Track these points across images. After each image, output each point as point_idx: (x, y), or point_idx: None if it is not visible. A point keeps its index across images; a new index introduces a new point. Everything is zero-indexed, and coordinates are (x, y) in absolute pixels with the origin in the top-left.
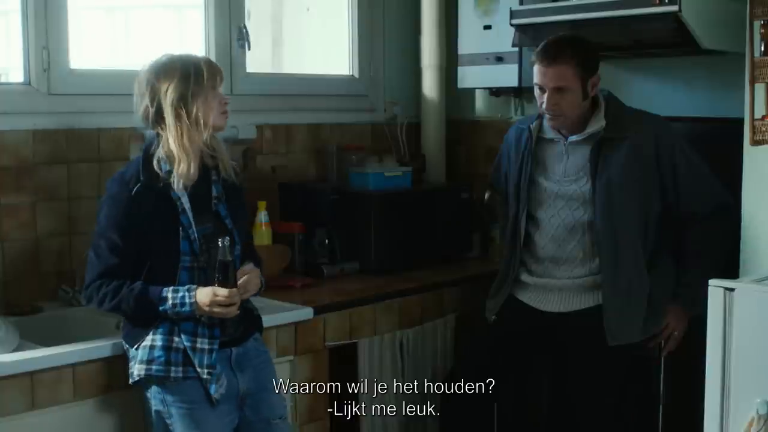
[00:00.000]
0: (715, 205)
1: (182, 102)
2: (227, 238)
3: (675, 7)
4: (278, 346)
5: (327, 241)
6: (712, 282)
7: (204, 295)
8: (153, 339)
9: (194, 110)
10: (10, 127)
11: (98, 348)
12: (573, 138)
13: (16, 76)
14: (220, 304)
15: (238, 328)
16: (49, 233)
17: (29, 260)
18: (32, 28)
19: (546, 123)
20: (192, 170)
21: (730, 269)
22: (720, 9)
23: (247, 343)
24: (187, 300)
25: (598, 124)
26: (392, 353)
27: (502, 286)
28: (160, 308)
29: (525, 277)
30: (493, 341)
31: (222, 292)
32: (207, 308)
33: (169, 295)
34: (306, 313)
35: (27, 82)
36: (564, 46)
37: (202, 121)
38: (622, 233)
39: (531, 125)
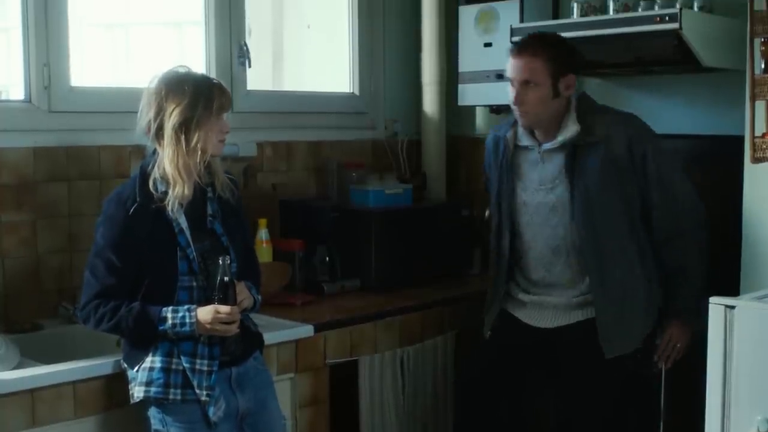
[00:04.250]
0: (690, 221)
1: (184, 127)
2: (227, 256)
3: (676, 25)
4: (279, 363)
5: (327, 258)
6: (712, 299)
7: (205, 313)
8: (152, 360)
9: (194, 138)
10: (10, 144)
11: (99, 365)
12: (547, 145)
13: (17, 92)
14: (222, 322)
15: (238, 346)
16: (49, 250)
17: (30, 277)
18: (33, 45)
19: (520, 130)
20: (187, 191)
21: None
22: (720, 27)
23: (247, 363)
24: (187, 320)
25: (570, 130)
26: (393, 371)
27: (494, 302)
28: (160, 328)
29: (521, 296)
30: (487, 358)
31: (224, 309)
32: (209, 326)
33: (169, 315)
34: (307, 330)
35: (28, 100)
36: (537, 39)
37: (199, 149)
38: (606, 242)
39: (507, 134)
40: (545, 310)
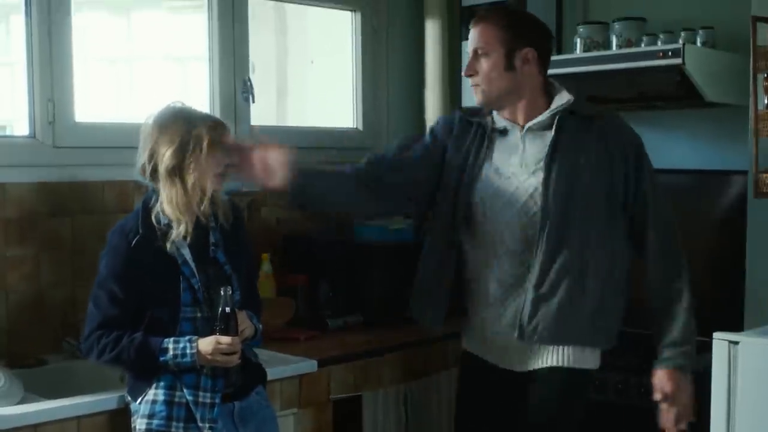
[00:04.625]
0: (673, 277)
1: (177, 170)
2: (229, 287)
3: (679, 60)
4: (282, 398)
5: (331, 293)
6: (716, 335)
7: (206, 344)
8: (155, 393)
9: (189, 179)
10: (15, 179)
11: (103, 401)
12: (535, 121)
13: (20, 127)
14: (222, 353)
15: (239, 378)
16: (53, 285)
17: (33, 312)
18: (38, 80)
19: (495, 114)
20: (190, 229)
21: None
22: (723, 62)
23: (250, 397)
24: (188, 350)
25: (563, 98)
26: (397, 406)
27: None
28: (161, 359)
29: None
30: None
31: (225, 339)
32: (210, 357)
33: (170, 346)
34: (310, 365)
35: (32, 135)
36: (496, 8)
37: (198, 188)
38: (581, 230)
39: (484, 116)
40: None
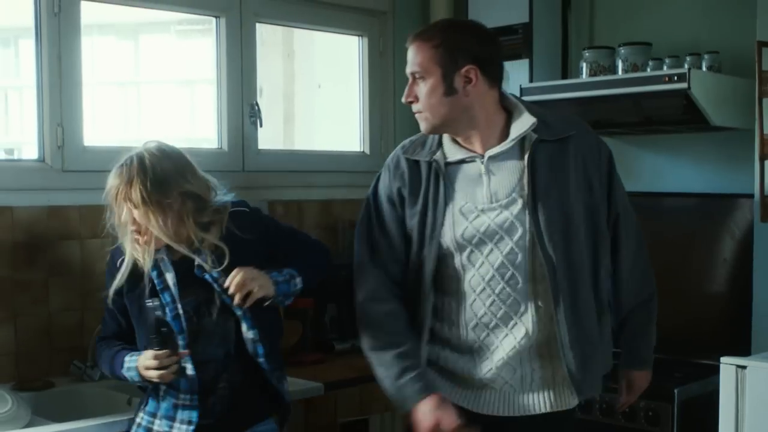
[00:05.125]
0: (644, 287)
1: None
2: (156, 299)
3: (684, 85)
4: (290, 422)
5: (338, 316)
6: (724, 359)
7: (143, 359)
8: (141, 416)
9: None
10: (24, 203)
11: (110, 424)
12: (494, 150)
13: (29, 151)
14: (147, 368)
15: (223, 405)
16: (61, 308)
17: (41, 335)
18: (47, 105)
19: (447, 141)
20: (147, 267)
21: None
22: (729, 86)
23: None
24: (132, 364)
25: (525, 122)
26: (403, 430)
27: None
28: (123, 372)
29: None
30: None
31: (149, 353)
32: (144, 372)
33: (126, 359)
34: (317, 389)
35: (41, 159)
36: (436, 24)
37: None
38: (579, 266)
39: (433, 152)
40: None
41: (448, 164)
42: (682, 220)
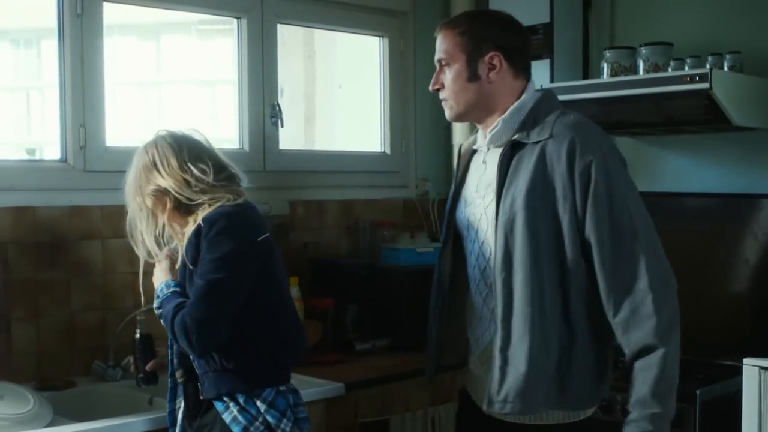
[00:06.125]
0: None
1: None
2: (141, 311)
3: (706, 85)
4: (310, 422)
5: (358, 316)
6: (747, 361)
7: None
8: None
9: None
10: (46, 203)
11: (131, 424)
12: (491, 134)
13: (50, 151)
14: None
15: (194, 392)
16: (83, 308)
17: (63, 335)
18: (70, 105)
19: (479, 132)
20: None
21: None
22: (751, 86)
23: (210, 412)
24: None
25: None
26: (424, 430)
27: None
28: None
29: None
30: None
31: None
32: None
33: None
34: (338, 389)
35: (64, 159)
36: (463, 13)
37: None
38: (518, 272)
39: (467, 141)
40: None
41: (474, 152)
42: (704, 221)
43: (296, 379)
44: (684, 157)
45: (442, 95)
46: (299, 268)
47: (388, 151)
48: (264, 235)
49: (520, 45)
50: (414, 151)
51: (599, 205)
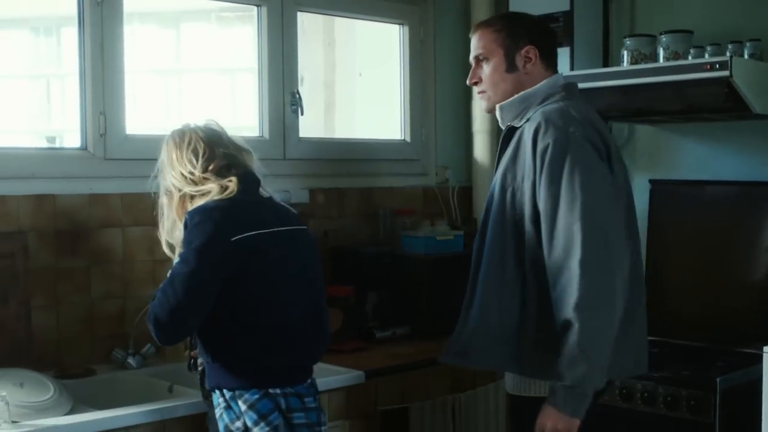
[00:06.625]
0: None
1: None
2: None
3: (726, 73)
4: (330, 409)
5: (379, 304)
6: (766, 348)
7: None
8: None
9: None
10: (66, 191)
11: (151, 411)
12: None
13: (70, 139)
14: None
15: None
16: (103, 296)
17: (83, 323)
18: (90, 93)
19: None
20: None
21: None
22: None
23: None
24: None
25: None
26: (444, 418)
27: None
28: None
29: None
30: None
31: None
32: None
33: None
34: (358, 377)
35: (84, 147)
36: (496, 15)
37: None
38: (488, 248)
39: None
40: None
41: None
42: (724, 209)
43: (316, 367)
44: (704, 145)
45: (478, 88)
46: (319, 257)
47: (408, 139)
48: (249, 233)
49: (550, 43)
50: (434, 139)
51: (548, 183)
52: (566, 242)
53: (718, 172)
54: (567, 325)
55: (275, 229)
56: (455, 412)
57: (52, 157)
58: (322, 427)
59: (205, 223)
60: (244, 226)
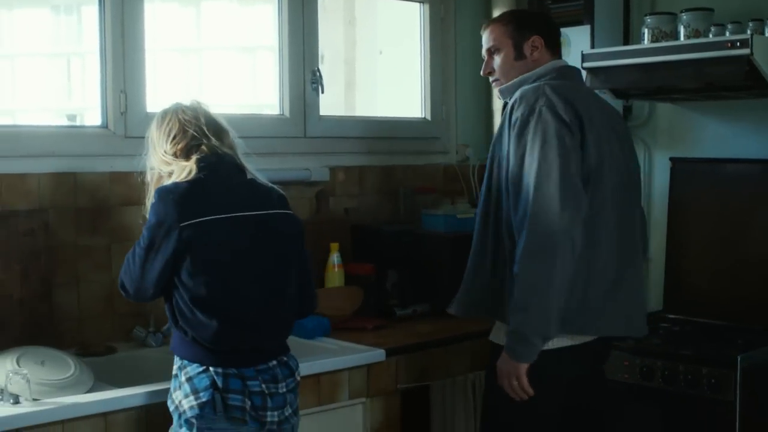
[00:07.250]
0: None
1: None
2: None
3: (747, 51)
4: (351, 388)
5: (399, 282)
6: None
7: None
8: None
9: None
10: (87, 169)
11: None
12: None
13: (91, 117)
14: None
15: None
16: None
17: (104, 301)
18: (110, 71)
19: None
20: None
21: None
22: None
23: None
24: None
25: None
26: (465, 395)
27: None
28: None
29: None
30: None
31: None
32: None
33: None
34: (378, 354)
35: (104, 125)
36: (505, 12)
37: None
38: (482, 223)
39: None
40: None
41: None
42: (744, 187)
43: (337, 345)
44: (724, 123)
45: (492, 78)
46: (340, 234)
47: (428, 117)
48: (201, 218)
49: (554, 35)
50: (454, 117)
51: (514, 151)
52: (524, 204)
53: (738, 150)
54: (515, 276)
55: (236, 214)
56: (476, 390)
57: (72, 135)
58: (282, 411)
59: (159, 204)
60: (198, 210)
